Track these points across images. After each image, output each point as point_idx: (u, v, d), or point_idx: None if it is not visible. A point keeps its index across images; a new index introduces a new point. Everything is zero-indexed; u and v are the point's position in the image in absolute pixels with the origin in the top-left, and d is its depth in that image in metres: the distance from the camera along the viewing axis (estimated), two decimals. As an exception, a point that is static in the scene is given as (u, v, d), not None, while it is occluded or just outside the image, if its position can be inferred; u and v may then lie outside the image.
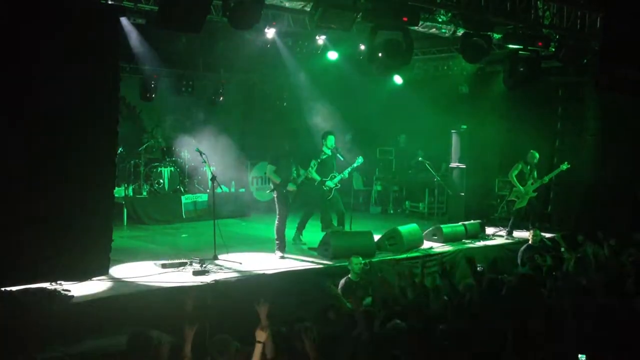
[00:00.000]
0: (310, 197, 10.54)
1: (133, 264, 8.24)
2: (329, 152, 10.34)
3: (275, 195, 9.60)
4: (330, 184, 10.23)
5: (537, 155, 11.61)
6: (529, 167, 11.53)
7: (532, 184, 11.52)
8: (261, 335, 4.57)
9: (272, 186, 9.67)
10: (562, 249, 8.71)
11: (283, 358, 4.88)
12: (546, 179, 11.59)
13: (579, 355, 4.59)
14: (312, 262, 9.04)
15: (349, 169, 10.36)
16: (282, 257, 9.12)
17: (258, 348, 4.55)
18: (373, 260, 9.10)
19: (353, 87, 14.82)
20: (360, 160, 10.36)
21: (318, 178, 10.22)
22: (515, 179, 11.55)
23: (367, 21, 8.79)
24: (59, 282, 6.69)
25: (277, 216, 9.54)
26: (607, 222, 11.22)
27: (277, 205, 9.59)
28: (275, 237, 9.43)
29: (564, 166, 11.50)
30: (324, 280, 8.08)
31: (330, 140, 10.29)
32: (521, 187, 11.50)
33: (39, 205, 6.47)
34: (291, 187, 9.49)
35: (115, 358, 5.49)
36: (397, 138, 15.51)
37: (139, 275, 7.70)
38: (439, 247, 10.47)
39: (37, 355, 5.59)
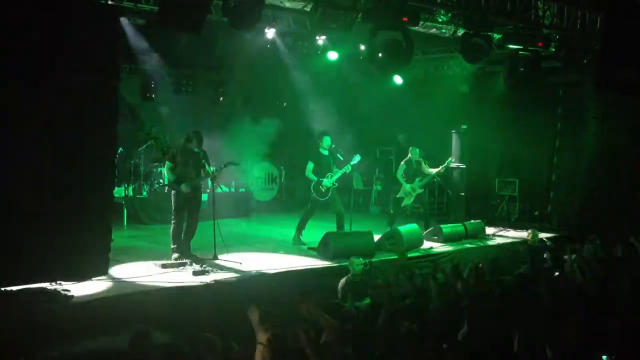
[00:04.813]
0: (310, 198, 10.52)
1: (133, 264, 8.24)
2: (326, 152, 10.34)
3: (171, 196, 8.80)
4: (327, 183, 10.21)
5: (417, 151, 11.75)
6: (414, 163, 11.63)
7: (420, 180, 11.63)
8: (262, 337, 4.57)
9: (162, 182, 9.15)
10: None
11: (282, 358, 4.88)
12: (434, 173, 11.76)
13: (602, 357, 4.56)
14: (312, 262, 9.04)
15: (345, 167, 10.34)
16: (164, 265, 8.09)
17: (259, 349, 4.55)
18: (373, 260, 9.10)
19: (353, 87, 14.82)
20: (357, 158, 10.35)
21: (314, 178, 10.21)
22: (401, 178, 11.64)
23: (367, 21, 8.79)
24: (59, 282, 6.69)
25: (173, 219, 8.71)
26: (606, 222, 11.22)
27: (172, 209, 8.72)
28: (171, 241, 8.63)
29: (450, 162, 11.93)
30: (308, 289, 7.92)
31: (326, 140, 10.27)
32: (407, 185, 11.57)
33: (39, 205, 6.47)
34: (184, 187, 8.62)
35: (115, 358, 5.50)
36: (397, 138, 15.51)
37: (139, 275, 7.70)
38: (438, 247, 10.48)
39: (37, 355, 5.59)
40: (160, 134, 13.55)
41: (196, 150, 8.79)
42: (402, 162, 11.73)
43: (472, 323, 4.85)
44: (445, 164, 11.85)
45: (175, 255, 8.52)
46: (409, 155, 11.70)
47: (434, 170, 11.73)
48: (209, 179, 9.01)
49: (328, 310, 5.56)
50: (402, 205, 11.82)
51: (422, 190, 11.74)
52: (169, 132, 13.74)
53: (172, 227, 8.71)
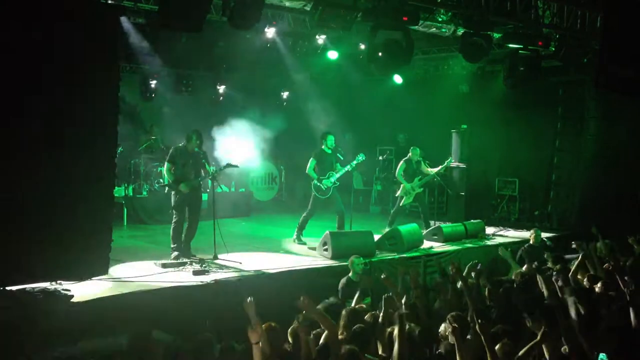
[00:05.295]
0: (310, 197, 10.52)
1: (133, 264, 8.23)
2: (329, 151, 10.34)
3: (171, 197, 8.80)
4: (327, 182, 10.22)
5: (417, 151, 11.74)
6: (414, 163, 11.64)
7: (419, 179, 11.63)
8: (254, 337, 4.54)
9: (162, 182, 8.99)
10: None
11: (280, 356, 4.88)
12: (433, 173, 11.72)
13: (600, 355, 4.55)
14: (312, 262, 9.03)
15: (348, 166, 10.35)
16: (164, 265, 8.07)
17: (256, 349, 4.54)
18: (373, 260, 9.09)
19: (353, 86, 14.84)
20: (361, 157, 10.35)
21: (315, 176, 10.22)
22: (401, 177, 11.65)
23: (367, 21, 8.79)
24: (59, 282, 6.68)
25: (173, 219, 8.75)
26: (606, 222, 11.21)
27: (173, 210, 8.74)
28: (171, 241, 8.69)
29: (450, 162, 11.89)
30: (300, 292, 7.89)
31: (330, 140, 10.30)
32: (407, 184, 11.57)
33: (39, 206, 6.46)
34: (183, 188, 8.63)
35: (115, 358, 5.49)
36: (396, 137, 15.52)
37: (139, 275, 7.69)
38: (439, 247, 10.47)
39: (36, 355, 5.58)
40: (158, 134, 13.55)
41: (196, 150, 8.81)
42: (402, 161, 11.76)
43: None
44: (445, 163, 11.86)
45: (175, 254, 8.53)
46: (409, 154, 11.71)
47: (433, 170, 11.74)
48: (208, 179, 9.03)
49: (328, 311, 5.56)
50: (402, 204, 11.83)
51: (421, 190, 11.75)
52: (169, 132, 13.76)
53: (172, 227, 8.73)
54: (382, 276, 6.38)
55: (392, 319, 5.00)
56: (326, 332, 5.06)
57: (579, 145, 12.98)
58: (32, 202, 6.41)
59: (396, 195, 11.91)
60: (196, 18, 7.68)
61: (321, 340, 5.00)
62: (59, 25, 6.47)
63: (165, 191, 8.86)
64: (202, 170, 8.86)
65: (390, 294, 5.60)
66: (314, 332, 5.05)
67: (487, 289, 6.58)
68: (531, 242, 10.00)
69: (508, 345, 4.46)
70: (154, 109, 14.44)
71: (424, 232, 10.98)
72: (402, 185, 11.67)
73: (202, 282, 7.55)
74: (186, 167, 8.75)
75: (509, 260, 8.87)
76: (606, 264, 7.07)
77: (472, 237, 11.30)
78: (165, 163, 8.93)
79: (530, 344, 4.50)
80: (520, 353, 4.46)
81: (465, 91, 14.10)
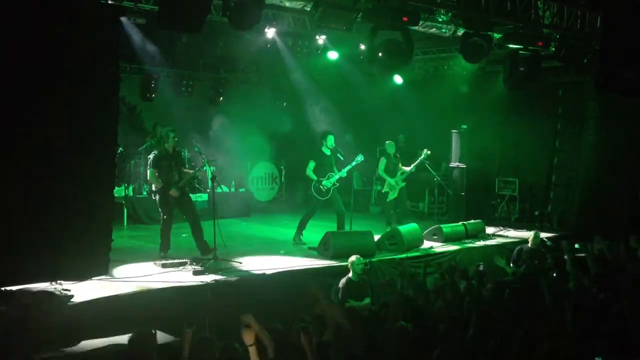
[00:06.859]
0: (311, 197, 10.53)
1: (133, 264, 8.24)
2: (328, 151, 10.34)
3: (157, 199, 8.81)
4: (327, 183, 10.21)
5: (393, 144, 11.86)
6: (392, 157, 11.70)
7: (401, 174, 11.67)
8: (248, 339, 4.54)
9: (152, 189, 8.85)
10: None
11: (281, 357, 4.88)
12: (413, 168, 11.72)
13: (595, 359, 4.55)
14: (312, 262, 9.03)
15: (348, 167, 10.37)
16: (164, 265, 8.08)
17: (252, 351, 4.54)
18: (373, 260, 9.09)
19: (353, 87, 14.83)
20: (360, 158, 10.35)
21: (315, 178, 10.21)
22: (383, 173, 11.70)
23: (367, 21, 8.80)
24: (59, 282, 6.69)
25: (161, 220, 8.87)
26: (607, 222, 11.22)
27: (160, 210, 8.85)
28: (160, 241, 8.84)
29: (425, 155, 11.71)
30: (309, 281, 7.94)
31: (330, 140, 10.29)
32: (391, 180, 11.63)
33: (39, 205, 6.47)
34: (174, 193, 8.67)
35: (115, 358, 5.49)
36: (396, 138, 15.52)
37: (139, 275, 7.70)
38: (439, 247, 10.47)
39: (36, 355, 5.58)
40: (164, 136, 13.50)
41: (177, 150, 8.90)
42: (382, 158, 11.82)
43: (479, 325, 4.85)
44: (422, 155, 11.66)
45: (162, 254, 8.63)
46: (386, 149, 11.75)
47: (407, 168, 11.72)
48: (194, 179, 9.01)
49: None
50: (388, 200, 11.85)
51: (404, 184, 11.77)
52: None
53: (161, 229, 8.84)
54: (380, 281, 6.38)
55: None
56: (328, 330, 5.07)
57: (579, 145, 12.97)
58: (32, 202, 6.43)
59: (382, 191, 11.99)
60: (196, 18, 7.69)
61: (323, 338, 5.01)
62: (59, 26, 6.48)
63: (153, 197, 8.79)
64: (183, 171, 8.90)
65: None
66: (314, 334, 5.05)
67: (488, 290, 6.59)
68: (530, 245, 9.88)
69: None
70: (154, 109, 14.43)
71: (423, 231, 10.94)
72: (386, 181, 11.72)
73: (202, 282, 7.56)
74: (171, 170, 8.72)
75: (505, 267, 8.90)
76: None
77: (472, 237, 11.28)
78: (149, 170, 8.78)
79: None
80: None
81: (465, 91, 14.08)
